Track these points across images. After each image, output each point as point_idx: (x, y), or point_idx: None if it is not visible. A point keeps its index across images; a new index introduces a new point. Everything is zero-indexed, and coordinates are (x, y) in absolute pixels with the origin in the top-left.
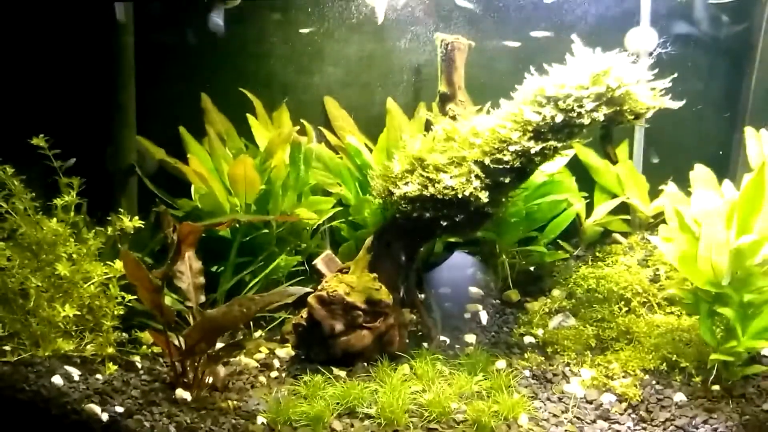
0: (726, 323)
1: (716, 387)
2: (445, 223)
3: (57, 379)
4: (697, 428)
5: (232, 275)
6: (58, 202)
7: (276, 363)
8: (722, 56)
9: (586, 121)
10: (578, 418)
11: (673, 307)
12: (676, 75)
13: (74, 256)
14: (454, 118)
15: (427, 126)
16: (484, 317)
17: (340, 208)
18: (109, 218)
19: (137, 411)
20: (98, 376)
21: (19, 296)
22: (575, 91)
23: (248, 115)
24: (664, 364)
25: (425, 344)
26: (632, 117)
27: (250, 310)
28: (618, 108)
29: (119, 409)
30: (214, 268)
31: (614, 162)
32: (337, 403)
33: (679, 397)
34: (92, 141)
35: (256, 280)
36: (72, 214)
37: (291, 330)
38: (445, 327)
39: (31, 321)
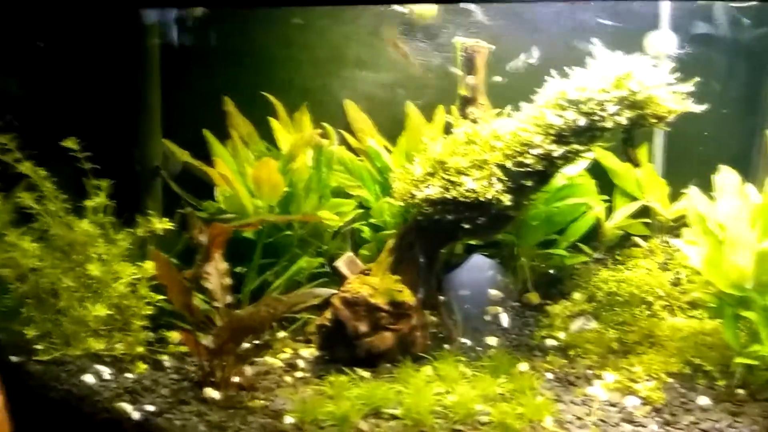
0: (750, 327)
1: (740, 391)
2: (466, 226)
3: (88, 378)
4: (722, 431)
5: (256, 276)
6: (89, 203)
7: (300, 363)
8: (743, 59)
9: (608, 124)
10: (602, 420)
11: (694, 311)
12: (698, 79)
13: (104, 256)
14: (474, 121)
15: (446, 129)
16: (504, 320)
17: (361, 210)
18: (135, 220)
19: (168, 409)
20: (128, 374)
21: (50, 296)
22: (597, 95)
23: (270, 118)
24: (688, 367)
25: (446, 346)
26: (655, 120)
27: (277, 311)
28: (640, 111)
29: (150, 408)
30: (237, 269)
31: (637, 165)
32: (363, 404)
33: (703, 400)
34: (118, 143)
35: (279, 281)
36: (102, 215)
37: (315, 330)
38: (466, 329)
39: (63, 320)
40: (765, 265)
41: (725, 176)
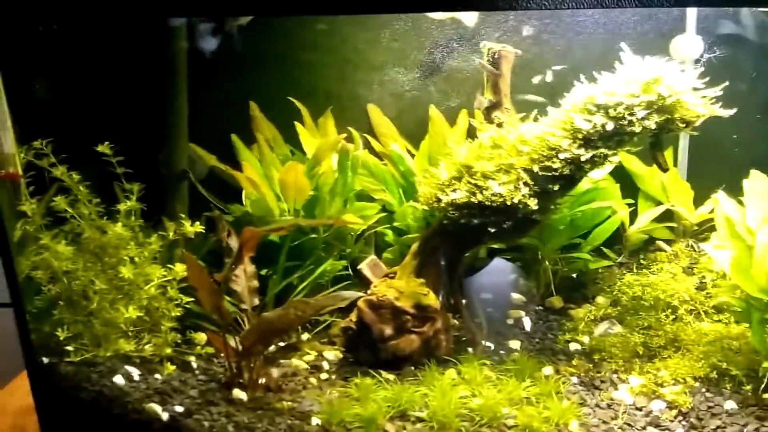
0: None
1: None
2: (492, 230)
3: (118, 379)
4: None
5: (281, 279)
6: (121, 207)
7: (325, 365)
8: None
9: (637, 128)
10: (628, 424)
11: (720, 315)
12: (727, 83)
13: (135, 259)
14: (500, 125)
15: (470, 133)
16: (527, 323)
17: (384, 214)
18: (162, 223)
19: (196, 410)
20: (157, 375)
21: (82, 298)
22: (626, 99)
23: (296, 122)
24: (714, 372)
25: (470, 349)
26: (683, 125)
27: (305, 313)
28: (669, 116)
29: (179, 409)
30: (263, 272)
31: (664, 169)
32: (389, 406)
33: (730, 404)
34: (146, 147)
35: (305, 284)
36: (133, 218)
37: (339, 333)
38: (489, 332)
39: (94, 322)
40: None
41: (755, 180)
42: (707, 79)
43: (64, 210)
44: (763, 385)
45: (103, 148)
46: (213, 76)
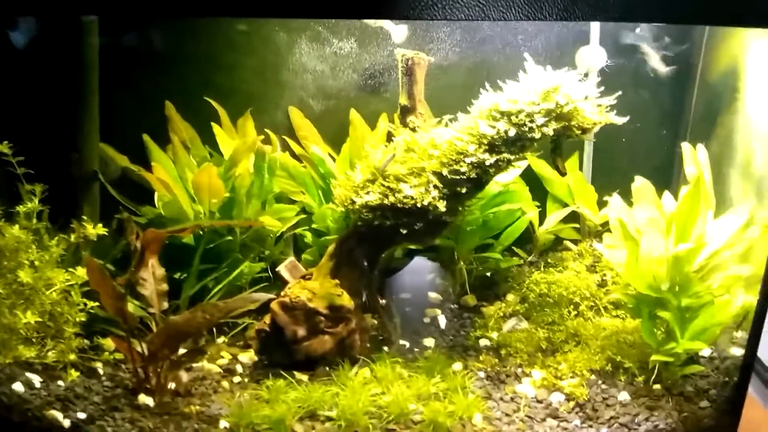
0: (666, 326)
1: (657, 386)
2: (404, 231)
3: (18, 386)
4: (639, 425)
5: (196, 282)
6: (20, 209)
7: (239, 368)
8: (667, 77)
9: (537, 135)
10: (529, 416)
11: (618, 311)
12: (620, 92)
13: (36, 263)
14: (414, 130)
15: (389, 137)
16: (442, 321)
17: (304, 216)
18: (71, 225)
19: (99, 417)
20: (60, 382)
21: None
22: (527, 107)
23: (213, 123)
24: (610, 364)
25: (385, 348)
26: (580, 131)
27: (214, 317)
28: (567, 123)
29: (81, 416)
30: (177, 275)
31: (563, 174)
32: (299, 407)
33: (623, 396)
34: (55, 147)
35: (220, 286)
36: (34, 221)
37: (254, 336)
38: (405, 331)
39: None
40: (678, 268)
41: (640, 185)
42: (603, 88)
43: None
44: (653, 377)
45: (2, 147)
46: (128, 75)
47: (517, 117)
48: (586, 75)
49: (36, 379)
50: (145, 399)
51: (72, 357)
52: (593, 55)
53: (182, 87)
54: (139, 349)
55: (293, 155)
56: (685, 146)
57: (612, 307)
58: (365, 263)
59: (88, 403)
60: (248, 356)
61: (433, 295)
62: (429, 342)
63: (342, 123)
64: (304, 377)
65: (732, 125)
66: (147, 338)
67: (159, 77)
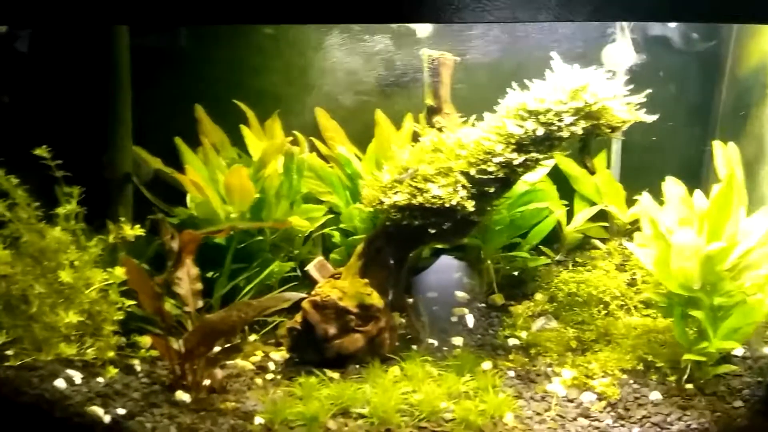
0: (698, 325)
1: (689, 386)
2: (432, 231)
3: (60, 383)
4: (671, 425)
5: (228, 281)
6: (60, 210)
7: (271, 366)
8: (696, 74)
9: (565, 134)
10: (560, 416)
11: (649, 310)
12: (650, 90)
13: (76, 263)
14: (440, 130)
15: (414, 137)
16: (470, 320)
17: (332, 216)
18: (106, 226)
19: (139, 413)
20: (99, 379)
21: (21, 302)
22: (555, 106)
23: (242, 126)
24: (641, 364)
25: (414, 347)
26: (609, 130)
27: (248, 315)
28: (595, 122)
29: (121, 411)
30: (209, 274)
31: (591, 172)
32: (332, 404)
33: (655, 395)
34: (89, 150)
35: (251, 285)
36: (73, 222)
37: (285, 334)
38: (433, 330)
39: (34, 326)
40: (710, 267)
41: (671, 184)
42: (631, 86)
43: (2, 214)
44: (685, 376)
45: (41, 151)
46: (159, 80)
47: (545, 116)
48: (613, 73)
49: (77, 376)
50: (182, 395)
51: (111, 354)
52: (620, 53)
53: (210, 90)
54: (175, 346)
55: (320, 156)
56: (717, 144)
57: (642, 306)
58: (393, 262)
59: (127, 399)
60: (280, 354)
61: (460, 294)
62: (457, 341)
63: (367, 123)
64: (335, 375)
65: (763, 121)
66: (184, 336)
67: (187, 80)
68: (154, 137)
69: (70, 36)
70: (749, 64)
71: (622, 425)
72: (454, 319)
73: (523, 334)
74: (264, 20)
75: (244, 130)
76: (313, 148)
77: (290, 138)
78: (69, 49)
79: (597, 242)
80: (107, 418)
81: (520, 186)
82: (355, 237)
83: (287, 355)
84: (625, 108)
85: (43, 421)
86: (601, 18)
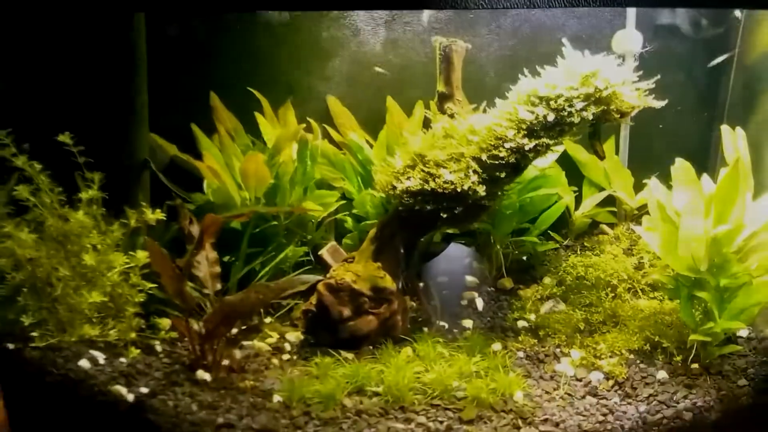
0: (704, 306)
1: (695, 365)
2: (444, 216)
3: (84, 363)
4: (678, 403)
5: (243, 265)
6: (83, 195)
7: (287, 346)
8: (705, 59)
9: (575, 119)
10: (569, 394)
11: (656, 293)
12: (659, 76)
13: (98, 246)
14: (452, 116)
15: (425, 123)
16: (480, 304)
17: (344, 202)
18: (124, 211)
19: (161, 391)
20: (122, 359)
21: (46, 285)
22: (566, 92)
23: (256, 113)
24: (648, 344)
25: (425, 329)
26: (619, 115)
27: (267, 297)
28: (605, 107)
29: (144, 390)
30: (225, 259)
31: (601, 158)
32: (347, 382)
33: (662, 374)
34: (107, 137)
35: (266, 269)
36: (95, 207)
37: (300, 315)
38: (444, 313)
39: (58, 308)
40: (717, 250)
41: (680, 167)
42: (640, 72)
43: (27, 199)
44: (691, 356)
45: (64, 138)
46: (174, 68)
47: (555, 102)
48: (622, 59)
49: (100, 356)
50: (202, 374)
51: (132, 335)
52: (630, 39)
53: (225, 78)
54: (196, 327)
55: (332, 142)
56: (724, 129)
57: (649, 289)
58: (405, 247)
59: (150, 378)
60: (295, 335)
61: (470, 279)
62: (467, 323)
63: (378, 110)
64: (350, 355)
65: None
66: (204, 317)
67: (202, 68)
68: (168, 123)
69: (88, 23)
70: (758, 50)
71: (629, 403)
72: (464, 302)
73: (532, 317)
74: (277, 6)
75: (259, 117)
76: (325, 134)
77: (303, 125)
78: (87, 36)
79: (605, 227)
80: (131, 397)
81: (530, 171)
82: (367, 222)
83: (302, 337)
84: (635, 93)
85: (68, 401)
86: (612, 4)
